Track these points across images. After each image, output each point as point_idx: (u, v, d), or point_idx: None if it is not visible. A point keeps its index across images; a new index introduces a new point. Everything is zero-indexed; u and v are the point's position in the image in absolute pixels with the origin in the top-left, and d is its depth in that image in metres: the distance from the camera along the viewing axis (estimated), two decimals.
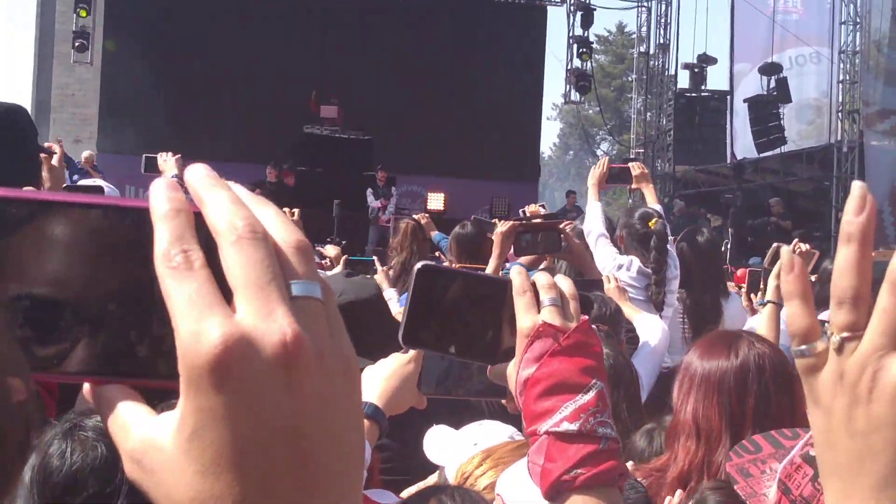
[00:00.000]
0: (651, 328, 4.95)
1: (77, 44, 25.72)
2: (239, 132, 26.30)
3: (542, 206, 6.57)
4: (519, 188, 24.22)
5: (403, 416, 2.35)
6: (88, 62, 26.67)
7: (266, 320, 0.69)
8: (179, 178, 6.14)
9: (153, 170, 6.84)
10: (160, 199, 0.74)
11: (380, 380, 2.26)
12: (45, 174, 3.95)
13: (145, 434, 0.72)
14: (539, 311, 1.57)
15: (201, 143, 26.31)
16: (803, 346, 0.91)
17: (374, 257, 7.89)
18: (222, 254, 0.71)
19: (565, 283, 1.64)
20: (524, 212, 8.25)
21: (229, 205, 0.73)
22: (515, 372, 1.57)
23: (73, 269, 0.75)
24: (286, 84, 26.72)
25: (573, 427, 1.50)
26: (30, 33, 43.76)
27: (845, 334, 0.87)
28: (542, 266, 5.97)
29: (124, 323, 0.76)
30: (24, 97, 42.77)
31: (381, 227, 19.73)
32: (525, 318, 1.56)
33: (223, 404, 0.68)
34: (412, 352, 2.20)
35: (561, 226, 5.76)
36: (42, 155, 3.98)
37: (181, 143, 25.45)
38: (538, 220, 5.60)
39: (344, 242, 15.45)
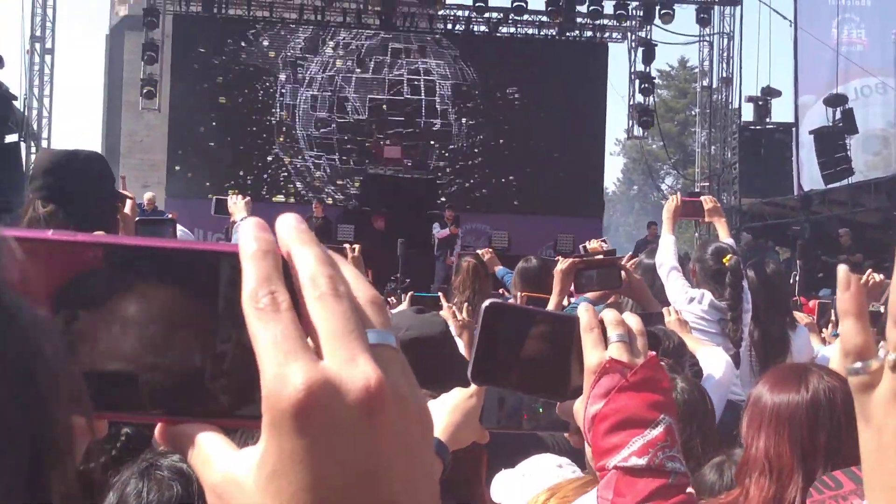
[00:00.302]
0: (715, 360, 4.90)
1: (145, 91, 26.21)
2: (305, 175, 26.60)
3: (604, 242, 6.54)
4: (583, 224, 24.15)
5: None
6: (156, 109, 27.14)
7: (349, 365, 0.70)
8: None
9: (223, 212, 6.92)
10: (249, 238, 0.76)
11: (442, 414, 2.25)
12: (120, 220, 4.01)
13: (227, 469, 0.73)
14: (606, 348, 1.58)
15: (268, 185, 26.70)
16: (858, 364, 0.89)
17: (440, 293, 7.90)
18: (307, 308, 0.73)
19: (633, 320, 1.65)
20: (584, 247, 8.22)
21: (315, 261, 0.75)
22: (583, 408, 1.58)
23: (152, 310, 0.76)
24: (350, 125, 27.00)
25: (642, 462, 1.51)
26: (99, 81, 44.58)
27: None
28: (608, 301, 5.95)
29: (203, 363, 0.77)
30: (93, 144, 43.57)
31: (447, 265, 19.75)
32: (593, 355, 1.58)
33: (304, 448, 0.69)
34: (474, 386, 2.18)
35: (622, 262, 5.75)
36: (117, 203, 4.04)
37: (247, 185, 25.94)
38: (598, 257, 5.58)
39: (408, 280, 15.47)
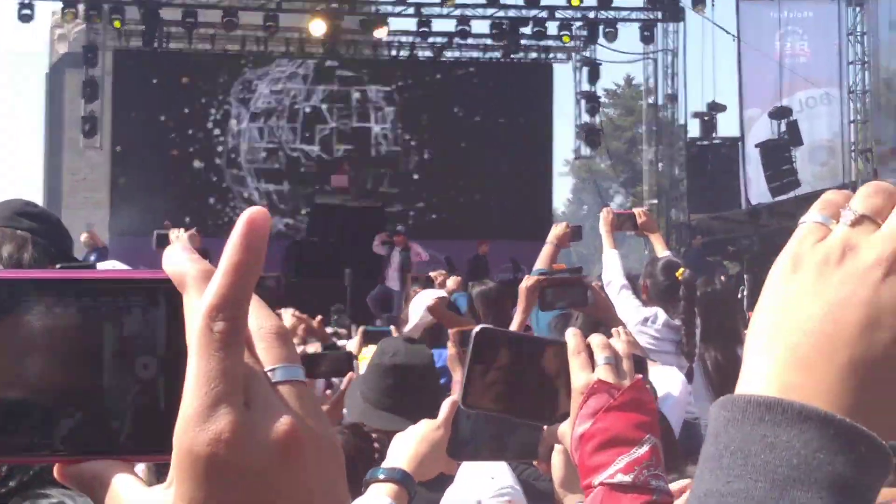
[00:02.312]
0: (670, 380, 4.80)
1: (86, 128, 25.96)
2: (249, 206, 26.47)
3: (568, 225, 6.51)
4: (534, 246, 24.05)
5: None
6: (98, 147, 26.91)
7: (266, 412, 0.68)
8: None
9: (164, 246, 6.78)
10: (189, 261, 0.73)
11: (410, 445, 2.28)
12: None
13: None
14: (594, 370, 1.67)
15: (212, 220, 26.52)
16: (824, 215, 0.86)
17: (392, 326, 7.79)
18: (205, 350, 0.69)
19: (620, 344, 1.74)
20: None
21: (216, 297, 0.69)
22: (571, 428, 1.65)
23: (46, 342, 0.72)
24: (294, 155, 26.98)
25: (627, 479, 1.57)
26: (39, 121, 44.34)
27: (868, 213, 0.83)
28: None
29: (104, 397, 0.73)
30: (35, 184, 43.21)
31: (387, 289, 19.52)
32: (580, 377, 1.67)
33: (220, 494, 0.66)
34: (441, 417, 2.24)
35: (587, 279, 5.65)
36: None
37: (193, 219, 25.72)
38: (563, 275, 5.50)
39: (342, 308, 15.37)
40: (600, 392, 1.62)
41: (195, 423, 0.66)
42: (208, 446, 0.66)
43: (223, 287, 0.68)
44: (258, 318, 0.72)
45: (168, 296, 0.73)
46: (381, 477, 2.24)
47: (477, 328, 1.71)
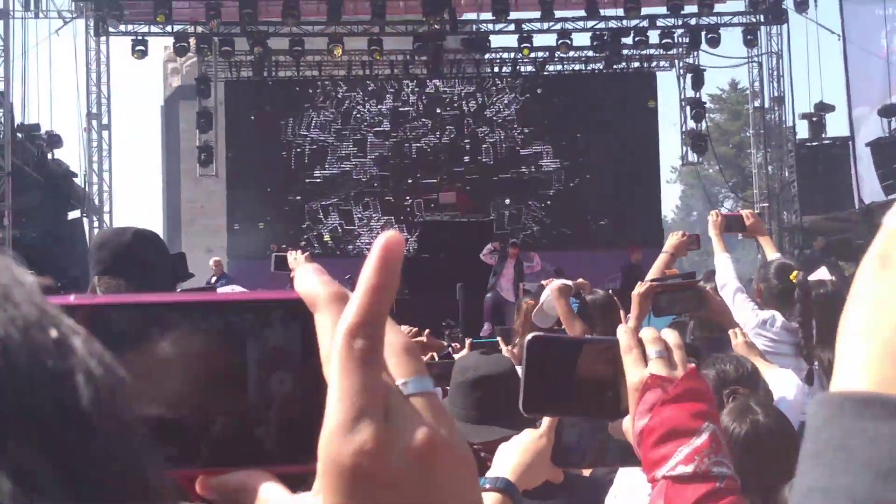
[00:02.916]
0: (785, 382, 4.83)
1: (201, 157, 26.62)
2: (363, 227, 26.83)
3: (685, 235, 6.52)
4: (644, 254, 23.99)
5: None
6: (214, 174, 27.52)
7: (405, 423, 0.71)
8: None
9: (283, 268, 7.00)
10: (320, 282, 0.77)
11: (513, 455, 2.29)
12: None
13: None
14: (647, 365, 1.66)
15: (326, 240, 26.90)
16: None
17: (499, 338, 7.88)
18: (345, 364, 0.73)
19: (671, 336, 1.72)
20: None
21: (350, 316, 0.73)
22: (632, 425, 1.65)
23: (189, 361, 0.77)
24: (404, 174, 27.22)
25: (688, 469, 1.57)
26: (156, 152, 45.32)
27: None
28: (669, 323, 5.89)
29: (246, 410, 0.78)
30: (155, 214, 44.22)
31: (500, 297, 19.56)
32: (634, 373, 1.66)
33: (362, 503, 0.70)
34: (544, 426, 2.24)
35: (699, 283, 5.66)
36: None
37: (304, 240, 26.14)
38: (676, 281, 5.52)
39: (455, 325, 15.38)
40: (654, 387, 1.62)
41: (340, 435, 0.69)
42: (353, 457, 0.69)
43: (362, 307, 0.72)
44: (388, 334, 0.74)
45: (301, 315, 0.78)
46: (486, 486, 2.23)
47: (529, 336, 1.74)
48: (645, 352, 1.69)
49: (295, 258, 6.74)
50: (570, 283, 6.69)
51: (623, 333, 1.71)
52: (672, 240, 6.02)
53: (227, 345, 0.79)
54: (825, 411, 0.77)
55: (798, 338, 5.50)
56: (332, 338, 0.73)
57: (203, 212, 36.27)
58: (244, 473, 0.78)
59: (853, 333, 0.81)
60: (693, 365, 1.68)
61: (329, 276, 0.78)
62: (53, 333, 0.57)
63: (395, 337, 0.76)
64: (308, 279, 0.78)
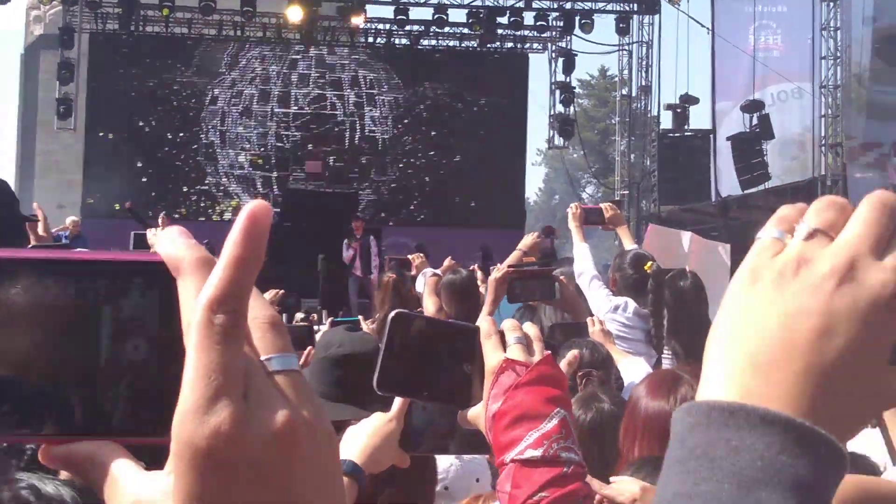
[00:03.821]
0: (636, 369, 4.92)
1: (60, 110, 25.85)
2: (222, 190, 26.46)
3: (539, 235, 6.64)
4: (505, 235, 24.20)
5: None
6: (72, 128, 26.78)
7: (264, 404, 0.69)
8: None
9: (143, 247, 6.83)
10: (185, 245, 0.73)
11: (361, 438, 2.25)
12: (33, 242, 3.99)
13: (138, 494, 0.71)
14: (505, 352, 1.66)
15: (184, 202, 26.47)
16: (779, 230, 0.89)
17: (360, 316, 7.85)
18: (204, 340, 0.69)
19: (531, 329, 1.74)
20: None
21: (216, 286, 0.70)
22: (484, 409, 1.65)
23: (37, 320, 0.72)
24: (268, 139, 26.93)
25: (537, 453, 1.58)
26: (13, 101, 43.97)
27: (821, 227, 0.86)
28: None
29: (96, 377, 0.73)
30: (8, 164, 42.91)
31: (358, 278, 19.40)
32: (492, 357, 1.66)
33: (220, 487, 0.67)
34: (395, 410, 2.20)
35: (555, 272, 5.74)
36: (28, 224, 4.02)
37: (163, 204, 25.68)
38: (532, 268, 5.59)
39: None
40: (509, 370, 1.62)
41: (195, 415, 0.67)
42: (208, 439, 0.66)
43: (224, 280, 0.69)
44: (253, 307, 0.72)
45: (161, 279, 0.73)
46: None
47: (393, 312, 1.72)
48: (504, 339, 1.68)
49: (155, 234, 6.58)
50: (439, 273, 6.78)
51: (484, 320, 1.72)
52: (527, 239, 6.23)
53: (81, 306, 0.73)
54: (691, 418, 0.79)
55: (649, 325, 5.64)
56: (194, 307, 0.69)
57: (57, 166, 35.33)
58: (93, 444, 0.74)
59: (721, 344, 0.85)
60: (549, 352, 1.69)
61: (194, 240, 0.74)
62: None
63: (260, 311, 0.74)
64: (172, 242, 0.74)
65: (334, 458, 0.75)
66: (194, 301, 0.70)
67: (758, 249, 0.89)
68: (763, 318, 0.83)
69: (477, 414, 1.69)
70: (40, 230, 4.09)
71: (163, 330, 0.73)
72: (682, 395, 2.98)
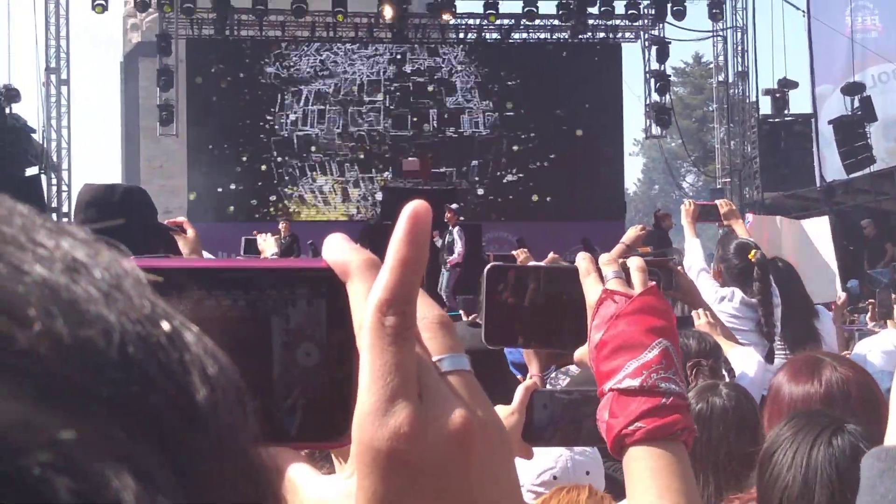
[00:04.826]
0: (746, 359, 4.87)
1: (162, 116, 26.38)
2: (328, 193, 26.78)
3: (643, 228, 6.63)
4: (606, 227, 24.07)
5: None
6: (174, 134, 27.30)
7: (441, 405, 0.69)
8: (277, 256, 6.25)
9: (253, 252, 6.92)
10: (350, 250, 0.74)
11: None
12: (184, 248, 4.09)
13: (320, 497, 0.73)
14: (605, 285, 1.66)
15: (289, 205, 26.81)
16: None
17: (461, 311, 7.88)
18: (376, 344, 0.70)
19: (634, 261, 1.72)
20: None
21: (385, 288, 0.70)
22: (588, 341, 1.65)
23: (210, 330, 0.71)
24: (368, 139, 27.15)
25: (635, 383, 1.57)
26: (115, 109, 44.95)
27: None
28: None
29: (270, 384, 0.75)
30: (113, 172, 43.86)
31: (452, 269, 19.38)
32: (592, 292, 1.65)
33: (400, 489, 0.68)
34: (516, 402, 2.17)
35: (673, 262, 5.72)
36: (175, 234, 4.13)
37: (267, 207, 26.04)
38: (648, 258, 5.57)
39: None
40: (608, 300, 1.62)
41: (374, 417, 0.68)
42: (388, 441, 0.67)
43: (392, 282, 0.69)
44: (422, 308, 0.73)
45: (329, 284, 0.75)
46: None
47: (488, 266, 1.70)
48: (602, 275, 1.67)
49: (265, 239, 6.68)
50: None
51: (582, 259, 1.70)
52: (630, 232, 6.21)
53: (256, 316, 0.75)
54: (881, 464, 0.78)
55: (758, 314, 5.55)
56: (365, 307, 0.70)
57: (162, 171, 36.03)
58: (271, 452, 0.73)
59: None
60: (654, 282, 1.69)
61: (358, 244, 0.75)
62: (166, 327, 0.55)
63: (428, 310, 0.74)
64: (337, 246, 0.75)
65: (508, 458, 0.75)
66: (364, 304, 0.70)
67: None
68: None
69: (585, 351, 1.69)
70: (190, 235, 4.21)
71: (332, 335, 0.74)
72: (826, 376, 2.93)
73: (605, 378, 1.60)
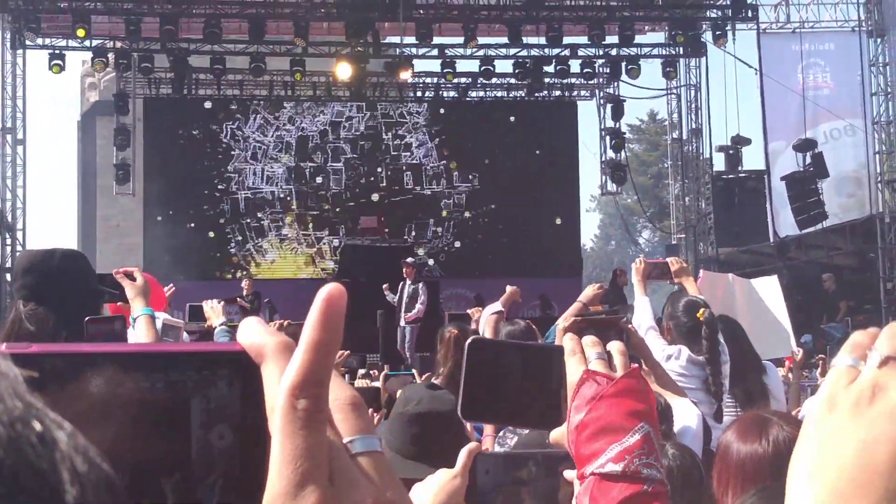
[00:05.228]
0: (687, 413, 4.87)
1: (119, 175, 26.29)
2: (284, 252, 26.72)
3: (601, 287, 6.64)
4: (563, 284, 24.13)
5: None
6: (131, 193, 27.18)
7: (348, 489, 0.70)
8: (225, 324, 6.25)
9: (198, 319, 6.88)
10: (266, 333, 0.74)
11: (427, 496, 2.24)
12: (130, 294, 4.10)
13: None
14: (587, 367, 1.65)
15: (247, 263, 26.68)
16: (853, 357, 0.91)
17: (414, 370, 7.88)
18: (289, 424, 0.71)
19: (615, 345, 1.71)
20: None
21: (299, 370, 0.71)
22: (567, 421, 1.64)
23: (123, 411, 0.73)
24: (324, 197, 27.16)
25: (617, 468, 1.55)
26: (72, 168, 44.67)
27: (894, 354, 0.88)
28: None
29: (187, 469, 0.74)
30: (69, 231, 43.53)
31: (413, 325, 19.17)
32: (575, 373, 1.64)
33: None
34: (459, 465, 2.19)
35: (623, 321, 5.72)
36: (123, 280, 4.15)
37: (225, 265, 25.92)
38: (600, 316, 5.60)
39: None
40: (590, 380, 1.61)
41: (284, 501, 0.68)
42: None
43: (304, 365, 0.70)
44: (334, 389, 0.73)
45: (243, 367, 0.75)
46: None
47: (470, 339, 1.69)
48: (586, 356, 1.68)
49: (212, 307, 6.67)
50: (500, 309, 6.74)
51: (568, 339, 1.71)
52: (588, 291, 6.23)
53: (172, 396, 0.74)
54: None
55: (706, 372, 5.56)
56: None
57: (118, 230, 35.80)
58: None
59: (801, 474, 0.88)
60: (636, 365, 1.68)
61: (273, 328, 0.76)
62: (38, 427, 0.55)
63: (341, 392, 0.75)
64: (253, 330, 0.75)
65: None
66: (277, 386, 0.71)
67: (833, 378, 0.91)
68: (841, 446, 0.85)
69: (562, 432, 1.68)
70: (139, 280, 4.22)
71: (246, 417, 0.75)
72: (773, 436, 2.96)
73: (585, 461, 1.60)
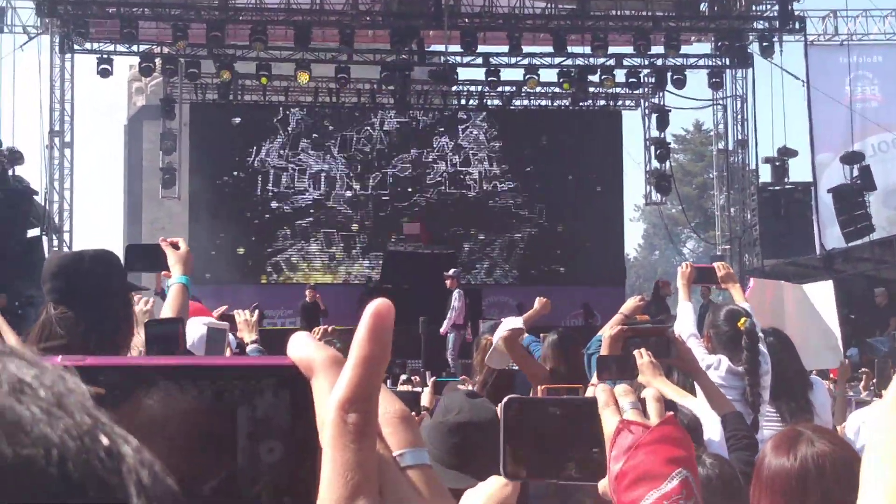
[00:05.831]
0: (709, 425, 4.81)
1: (164, 179, 26.51)
2: (327, 256, 26.80)
3: (642, 299, 6.59)
4: (606, 292, 24.05)
5: None
6: (176, 197, 27.38)
7: (399, 499, 0.71)
8: (257, 342, 6.29)
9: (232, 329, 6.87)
10: (316, 348, 0.75)
11: (478, 503, 2.20)
12: (171, 261, 4.21)
13: None
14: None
15: (291, 269, 26.79)
16: None
17: (463, 376, 7.86)
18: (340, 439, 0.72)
19: (650, 391, 1.74)
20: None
21: (348, 386, 0.72)
22: (608, 471, 1.66)
23: (176, 425, 0.75)
24: (368, 205, 27.22)
25: None
26: (118, 172, 45.10)
27: None
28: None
29: (233, 484, 0.75)
30: (116, 234, 43.95)
31: (457, 332, 19.29)
32: (610, 424, 1.66)
33: None
34: None
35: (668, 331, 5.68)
36: (167, 248, 4.27)
37: (267, 269, 26.02)
38: (647, 326, 5.54)
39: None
40: (625, 430, 1.64)
41: None
42: None
43: (354, 380, 0.71)
44: (383, 403, 0.74)
45: (293, 381, 0.76)
46: None
47: (505, 399, 1.71)
48: (619, 406, 1.69)
49: (245, 320, 6.71)
50: (519, 326, 6.67)
51: (601, 391, 1.72)
52: (630, 303, 6.17)
53: (223, 411, 0.76)
54: None
55: (744, 383, 5.51)
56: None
57: (164, 233, 35.88)
58: None
59: (871, 469, 0.91)
60: (671, 413, 1.70)
61: (322, 342, 0.77)
62: (105, 442, 0.57)
63: (390, 405, 0.76)
64: (302, 344, 0.76)
65: None
66: (327, 401, 0.72)
67: None
68: None
69: (607, 484, 1.70)
70: (182, 248, 4.35)
71: (295, 432, 0.75)
72: (801, 452, 2.94)
73: None
